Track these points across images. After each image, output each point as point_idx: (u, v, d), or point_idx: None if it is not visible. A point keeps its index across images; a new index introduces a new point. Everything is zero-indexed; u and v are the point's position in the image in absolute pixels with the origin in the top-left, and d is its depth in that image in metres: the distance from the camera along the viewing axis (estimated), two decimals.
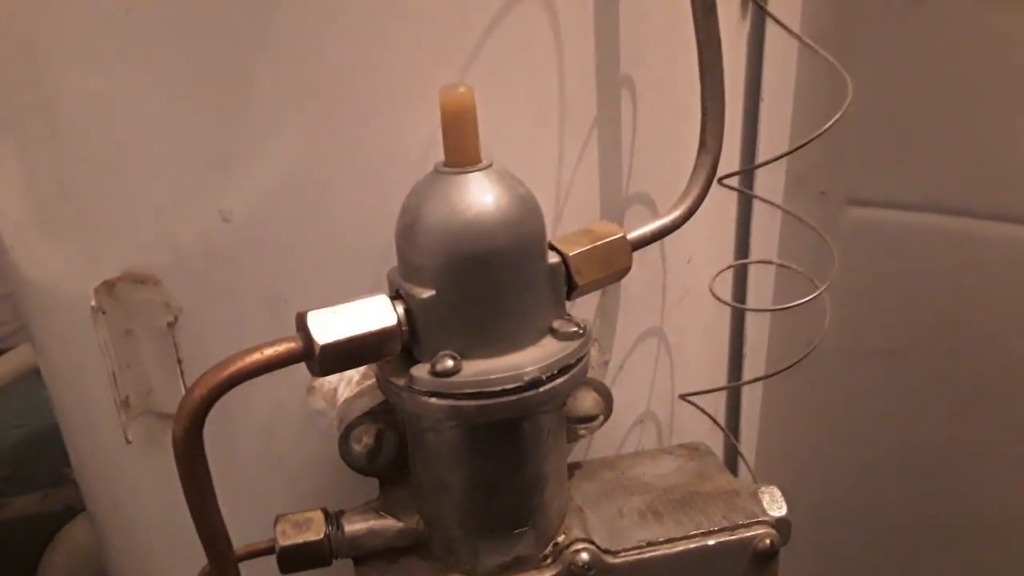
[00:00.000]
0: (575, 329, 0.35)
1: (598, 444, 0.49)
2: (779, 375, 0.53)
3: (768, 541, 0.40)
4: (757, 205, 0.58)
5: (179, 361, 0.41)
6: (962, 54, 0.61)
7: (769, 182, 0.60)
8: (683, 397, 0.54)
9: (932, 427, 0.73)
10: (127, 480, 0.48)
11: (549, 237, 0.36)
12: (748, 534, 0.40)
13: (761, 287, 0.63)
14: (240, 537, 0.36)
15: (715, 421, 0.56)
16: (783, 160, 0.58)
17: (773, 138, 0.57)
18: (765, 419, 0.71)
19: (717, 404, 0.63)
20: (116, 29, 0.36)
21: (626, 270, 0.39)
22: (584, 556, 0.39)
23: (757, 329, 0.65)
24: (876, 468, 0.75)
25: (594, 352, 0.47)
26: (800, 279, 0.53)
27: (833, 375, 0.71)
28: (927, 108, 0.63)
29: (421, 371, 0.33)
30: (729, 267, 0.58)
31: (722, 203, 0.54)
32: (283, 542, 0.37)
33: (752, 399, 0.69)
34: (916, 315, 0.70)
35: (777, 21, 0.46)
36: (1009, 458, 0.71)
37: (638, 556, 0.39)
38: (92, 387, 0.44)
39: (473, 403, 0.33)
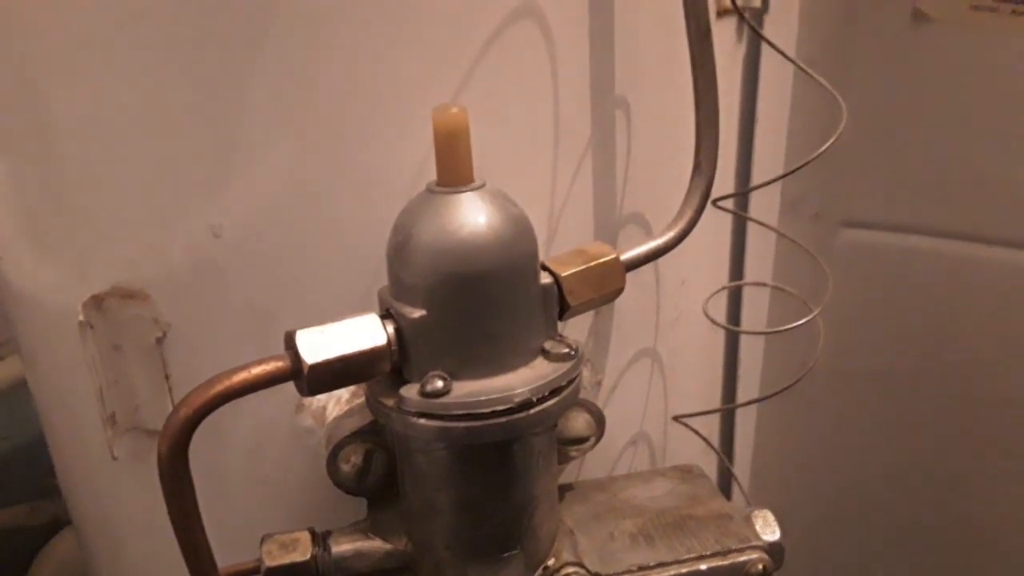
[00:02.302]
0: (567, 350, 0.35)
1: (590, 465, 0.48)
2: (772, 397, 0.53)
3: (761, 566, 0.40)
4: (751, 227, 0.58)
5: (167, 377, 0.41)
6: (956, 77, 0.62)
7: (763, 204, 0.60)
8: (677, 419, 0.53)
9: (925, 448, 0.72)
10: (114, 496, 0.47)
11: (542, 257, 0.36)
12: (741, 559, 0.40)
13: (755, 309, 0.63)
14: (225, 557, 0.35)
15: (708, 443, 0.55)
16: (777, 182, 0.58)
17: (768, 160, 0.57)
18: (759, 440, 0.71)
19: (711, 425, 0.62)
20: (107, 42, 0.36)
21: (619, 291, 0.39)
22: None
23: (751, 350, 0.64)
24: (870, 489, 0.75)
25: (587, 373, 0.47)
26: (793, 300, 0.53)
27: (826, 396, 0.71)
28: (921, 131, 0.64)
29: (410, 392, 0.33)
30: (723, 288, 0.57)
31: (716, 225, 0.54)
32: (269, 563, 0.36)
33: (746, 420, 0.69)
34: (909, 337, 0.70)
35: (772, 45, 0.46)
36: (1001, 478, 0.71)
37: None
38: (79, 402, 0.43)
39: (463, 425, 0.33)
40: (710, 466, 0.60)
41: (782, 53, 0.45)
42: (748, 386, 0.64)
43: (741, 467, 0.69)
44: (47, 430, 0.51)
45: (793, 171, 0.44)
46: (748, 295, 0.61)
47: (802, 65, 0.44)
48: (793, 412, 0.70)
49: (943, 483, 0.73)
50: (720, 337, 0.61)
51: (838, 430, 0.74)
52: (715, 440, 0.63)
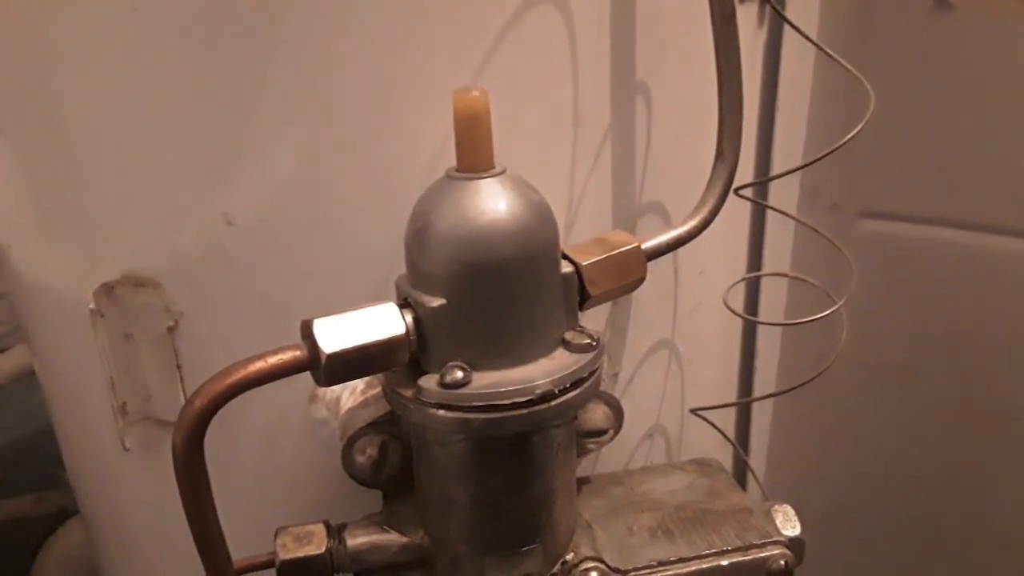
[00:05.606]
0: (588, 341, 0.34)
1: (606, 458, 0.48)
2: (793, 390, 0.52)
3: (782, 562, 0.39)
4: (770, 217, 0.57)
5: (179, 367, 0.40)
6: (979, 66, 0.61)
7: (782, 193, 0.59)
8: (695, 412, 0.53)
9: (943, 441, 0.72)
10: (124, 486, 0.47)
11: (561, 246, 0.35)
12: (762, 555, 0.39)
13: (773, 299, 0.62)
14: (239, 549, 0.35)
15: (726, 437, 0.55)
16: (797, 171, 0.58)
17: (788, 148, 0.56)
18: (775, 432, 0.70)
19: (727, 417, 0.62)
20: (120, 29, 0.35)
21: (640, 281, 0.38)
22: (593, 575, 0.37)
23: (768, 341, 0.64)
24: (886, 482, 0.75)
25: (604, 364, 0.46)
26: (811, 292, 0.52)
27: (843, 388, 0.70)
28: (942, 120, 0.63)
29: (429, 382, 0.32)
30: (743, 279, 0.57)
31: (735, 214, 0.53)
32: (283, 556, 0.36)
33: (762, 412, 0.68)
34: (927, 329, 0.69)
35: (797, 29, 0.45)
36: (1018, 473, 0.70)
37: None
38: (89, 392, 0.43)
39: (482, 416, 0.32)
40: (725, 458, 0.59)
41: (807, 37, 0.44)
42: (765, 378, 0.63)
43: (756, 458, 0.68)
44: (56, 421, 0.51)
45: (820, 158, 0.43)
46: (765, 285, 0.61)
47: (830, 51, 0.43)
48: (809, 404, 0.70)
49: (958, 478, 0.72)
50: (737, 328, 0.60)
51: (853, 422, 0.73)
52: (731, 431, 0.63)
